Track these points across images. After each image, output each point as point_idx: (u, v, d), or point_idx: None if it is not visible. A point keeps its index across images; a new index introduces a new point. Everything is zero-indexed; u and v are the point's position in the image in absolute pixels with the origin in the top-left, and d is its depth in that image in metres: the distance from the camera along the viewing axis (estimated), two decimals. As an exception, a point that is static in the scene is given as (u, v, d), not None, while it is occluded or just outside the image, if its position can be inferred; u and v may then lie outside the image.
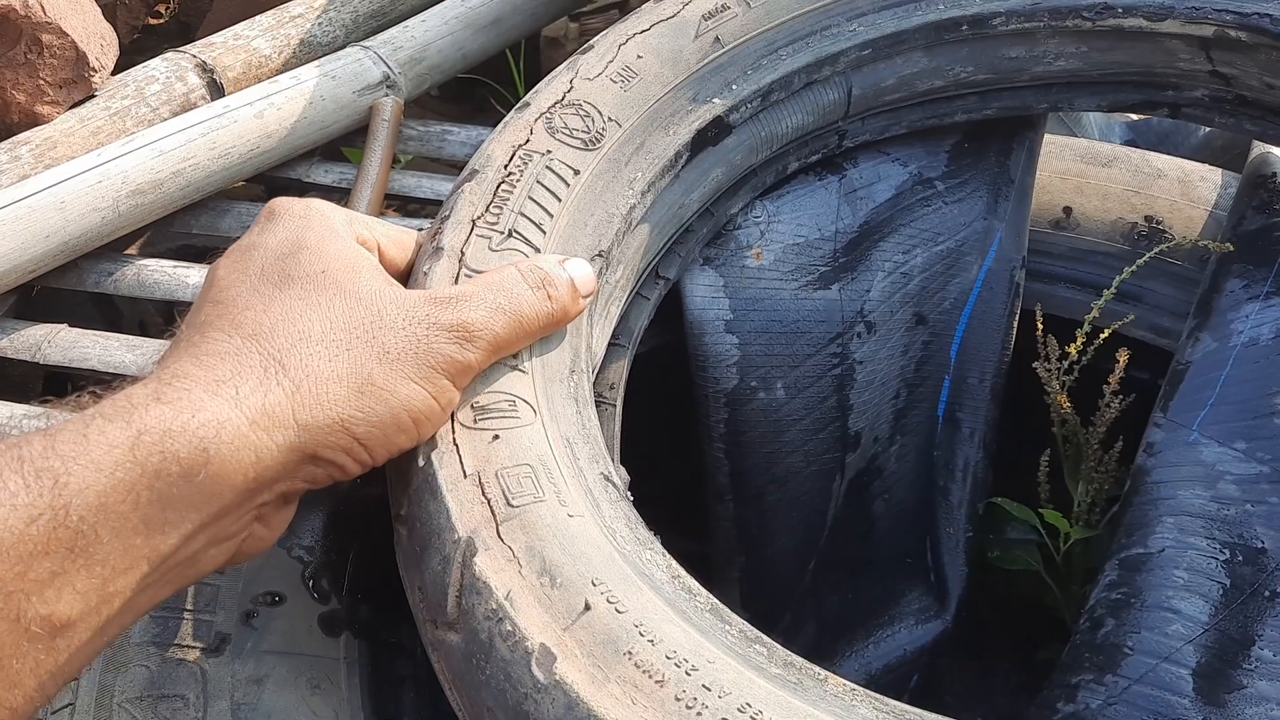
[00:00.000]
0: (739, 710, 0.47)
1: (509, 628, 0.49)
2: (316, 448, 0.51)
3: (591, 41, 0.76)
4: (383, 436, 0.53)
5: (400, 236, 0.64)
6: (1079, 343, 0.87)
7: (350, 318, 0.54)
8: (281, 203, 0.60)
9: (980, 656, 1.01)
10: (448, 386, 0.55)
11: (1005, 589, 0.97)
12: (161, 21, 1.41)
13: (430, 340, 0.55)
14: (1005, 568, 0.95)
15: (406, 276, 0.63)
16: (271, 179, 1.07)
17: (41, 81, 0.99)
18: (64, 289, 0.93)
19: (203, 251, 1.10)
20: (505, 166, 0.67)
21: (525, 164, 0.68)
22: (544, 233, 0.65)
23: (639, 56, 0.74)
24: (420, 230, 0.67)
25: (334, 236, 0.58)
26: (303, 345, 0.52)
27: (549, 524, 0.53)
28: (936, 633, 0.97)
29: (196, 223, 1.00)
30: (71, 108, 0.99)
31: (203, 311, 0.55)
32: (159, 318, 1.16)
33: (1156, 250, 0.87)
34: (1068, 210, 0.95)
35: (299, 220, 0.58)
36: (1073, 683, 0.76)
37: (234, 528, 0.51)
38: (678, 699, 0.47)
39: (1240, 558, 0.76)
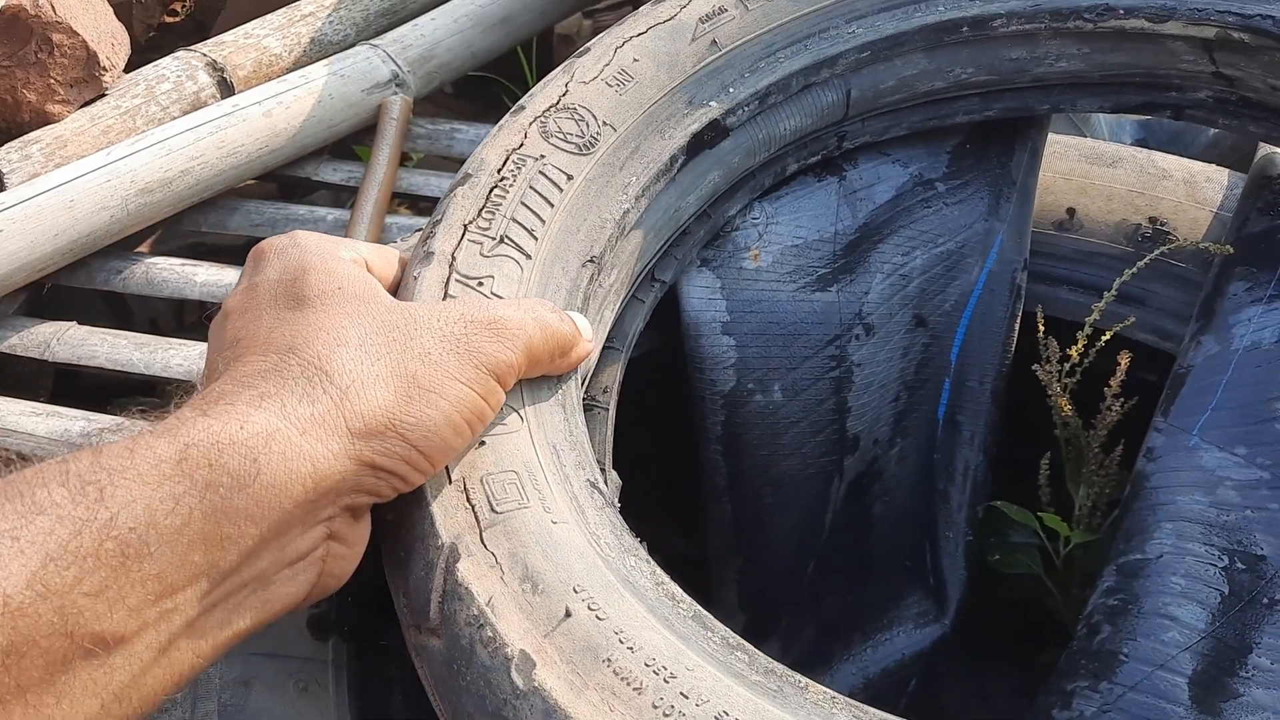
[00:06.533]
0: (716, 718, 0.48)
1: (489, 634, 0.50)
2: (374, 455, 0.50)
3: (588, 44, 0.76)
4: (440, 442, 0.52)
5: (386, 254, 0.63)
6: (1080, 345, 0.86)
7: (382, 322, 0.53)
8: (268, 241, 0.59)
9: (981, 659, 1.00)
10: (495, 388, 0.54)
11: (1005, 592, 0.97)
12: (178, 20, 1.42)
13: (469, 338, 0.53)
14: (1005, 571, 0.94)
15: (394, 291, 0.62)
16: (281, 177, 1.08)
17: (52, 81, 1.00)
18: (75, 287, 0.94)
19: (213, 249, 1.11)
20: (498, 171, 0.67)
21: (519, 168, 0.68)
22: (536, 239, 0.66)
23: (635, 60, 0.74)
24: (402, 245, 0.67)
25: (335, 258, 0.57)
26: (342, 350, 0.51)
27: (532, 530, 0.53)
28: (935, 637, 0.96)
29: (206, 221, 1.01)
30: (82, 107, 1.00)
31: (224, 353, 0.53)
32: (170, 315, 1.17)
33: (1158, 252, 0.86)
34: (1071, 211, 0.94)
35: (294, 249, 0.57)
36: (1068, 689, 0.76)
37: (303, 545, 0.49)
38: (655, 706, 0.48)
39: (1239, 564, 0.75)
